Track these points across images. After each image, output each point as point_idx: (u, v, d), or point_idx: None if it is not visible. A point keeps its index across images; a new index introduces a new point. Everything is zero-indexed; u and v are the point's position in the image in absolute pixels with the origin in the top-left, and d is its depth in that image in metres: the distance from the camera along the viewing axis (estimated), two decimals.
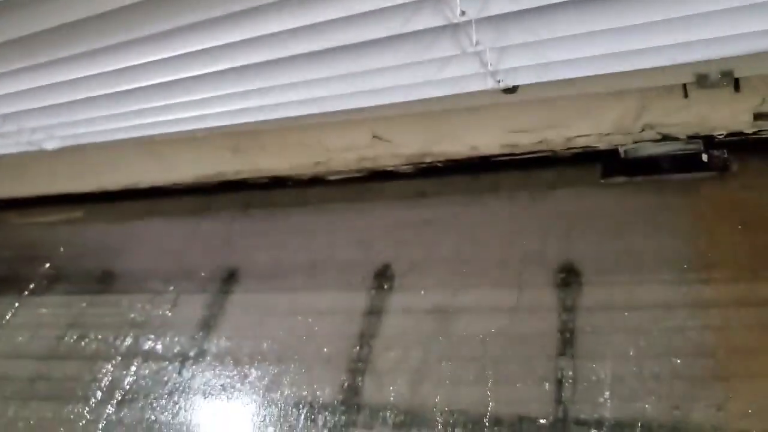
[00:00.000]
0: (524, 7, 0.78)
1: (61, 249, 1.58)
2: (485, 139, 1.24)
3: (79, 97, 1.11)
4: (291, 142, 1.36)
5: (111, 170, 1.54)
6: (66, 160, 1.49)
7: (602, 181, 1.15)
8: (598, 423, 0.93)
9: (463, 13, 0.80)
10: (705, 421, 0.88)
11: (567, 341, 1.03)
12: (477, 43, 0.85)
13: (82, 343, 1.38)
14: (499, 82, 0.97)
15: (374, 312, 1.21)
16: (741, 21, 0.81)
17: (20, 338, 1.46)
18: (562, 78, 0.94)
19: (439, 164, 1.27)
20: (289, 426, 1.07)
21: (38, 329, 1.45)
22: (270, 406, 1.12)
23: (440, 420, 1.03)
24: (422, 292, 1.18)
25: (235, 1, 0.83)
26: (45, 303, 1.50)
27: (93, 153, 1.48)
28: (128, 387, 1.27)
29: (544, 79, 0.95)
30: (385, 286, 1.22)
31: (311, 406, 1.10)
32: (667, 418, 0.91)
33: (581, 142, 1.18)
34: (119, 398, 1.26)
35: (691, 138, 1.11)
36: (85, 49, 1.02)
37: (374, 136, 1.29)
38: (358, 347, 1.16)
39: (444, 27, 0.82)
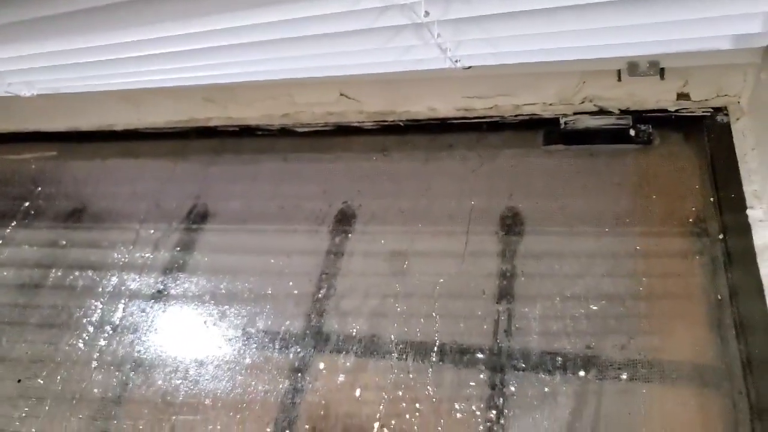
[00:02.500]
0: (480, 14, 0.90)
1: (39, 188, 1.68)
2: (443, 102, 1.38)
3: (59, 53, 1.19)
4: (261, 94, 1.47)
5: (85, 112, 1.62)
6: (40, 100, 1.56)
7: (543, 147, 1.32)
8: (525, 356, 1.14)
9: (427, 13, 0.92)
10: (610, 356, 1.10)
11: (505, 285, 1.23)
12: (438, 36, 0.98)
13: (67, 279, 1.52)
14: (456, 62, 1.10)
15: (338, 255, 1.37)
16: (662, 29, 0.96)
17: (5, 273, 1.58)
18: (512, 63, 1.08)
19: (401, 123, 1.41)
20: (265, 357, 1.26)
21: (22, 264, 1.57)
22: (247, 338, 1.30)
23: (395, 349, 1.23)
24: (381, 239, 1.35)
25: None
26: (27, 239, 1.61)
27: (67, 94, 1.55)
28: (105, 322, 1.43)
29: (497, 63, 1.09)
30: (349, 233, 1.38)
31: (283, 337, 1.28)
32: (581, 354, 1.13)
33: (528, 110, 1.33)
34: (92, 331, 1.42)
35: (623, 112, 1.27)
36: (69, 8, 1.10)
37: (341, 94, 1.41)
38: (324, 287, 1.33)
39: (410, 24, 0.94)
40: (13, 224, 1.64)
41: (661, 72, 1.15)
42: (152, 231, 1.52)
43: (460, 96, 1.35)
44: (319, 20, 0.96)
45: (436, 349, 1.21)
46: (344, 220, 1.42)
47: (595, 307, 1.16)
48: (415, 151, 1.43)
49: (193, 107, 1.53)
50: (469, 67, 1.16)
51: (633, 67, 1.14)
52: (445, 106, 1.37)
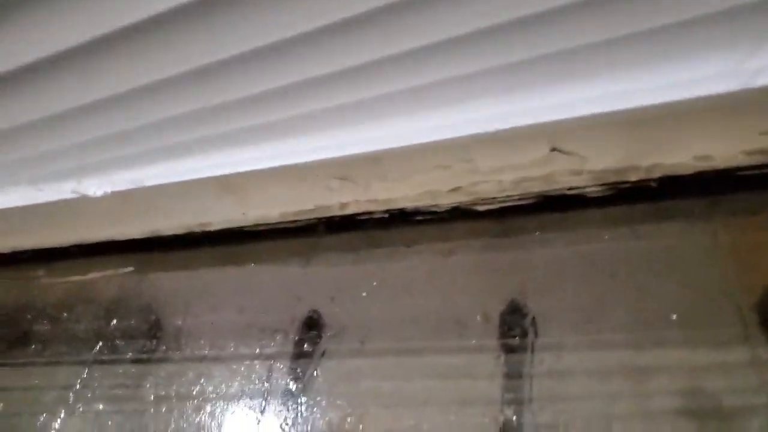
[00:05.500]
0: None
1: (114, 321, 1.22)
2: (721, 144, 0.87)
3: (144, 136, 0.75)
4: (423, 163, 0.98)
5: (169, 210, 1.17)
6: (111, 201, 1.13)
7: None
8: None
9: None
10: None
11: None
12: None
13: (163, 425, 1.04)
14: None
15: (524, 377, 0.86)
16: None
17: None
18: None
19: (651, 183, 0.91)
20: None
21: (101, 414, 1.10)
22: None
23: None
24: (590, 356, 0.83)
25: None
26: (102, 393, 1.14)
27: (143, 190, 1.11)
28: None
29: None
30: (534, 351, 0.87)
31: None
32: None
33: None
34: None
35: None
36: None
37: (553, 149, 0.92)
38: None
39: None
40: (83, 376, 1.18)
41: None
42: (274, 372, 1.04)
43: (750, 132, 0.84)
44: None
45: None
46: (531, 332, 0.91)
47: None
48: (677, 221, 0.91)
49: (320, 191, 1.06)
50: None
51: None
52: (724, 152, 0.87)
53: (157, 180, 0.92)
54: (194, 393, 1.06)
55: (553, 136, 0.89)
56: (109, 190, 0.91)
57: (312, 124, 0.83)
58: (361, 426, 0.90)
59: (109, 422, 1.07)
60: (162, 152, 0.81)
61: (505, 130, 0.85)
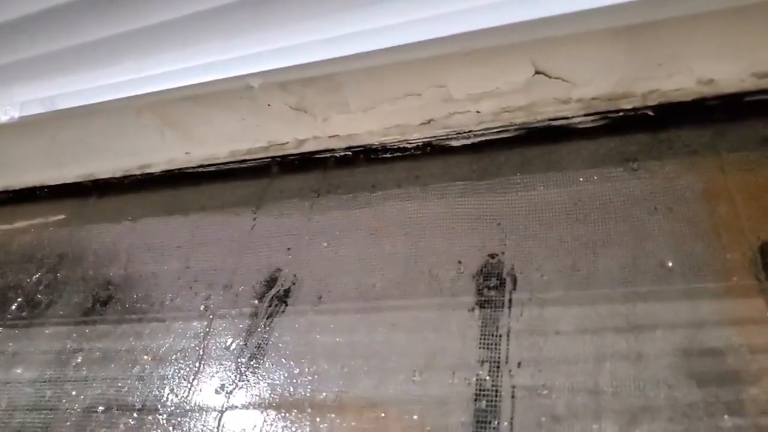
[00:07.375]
0: None
1: (39, 275, 1.09)
2: (727, 66, 0.77)
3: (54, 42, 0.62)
4: (390, 91, 0.87)
5: (105, 150, 1.04)
6: (34, 138, 0.99)
7: None
8: None
9: None
10: None
11: None
12: None
13: (87, 390, 0.91)
14: None
15: (502, 336, 0.76)
16: None
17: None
18: None
19: (648, 112, 0.80)
20: None
21: (17, 397, 0.98)
22: None
23: None
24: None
25: None
26: (21, 355, 1.02)
27: (75, 127, 0.98)
28: None
29: None
30: (513, 305, 0.76)
31: None
32: None
33: None
34: None
35: None
36: None
37: (537, 72, 0.81)
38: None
39: None
40: None
41: None
42: (216, 329, 0.92)
43: (763, 50, 0.75)
44: None
45: None
46: (509, 284, 0.80)
47: None
48: (677, 156, 0.81)
49: (275, 125, 0.95)
50: None
51: None
52: (730, 74, 0.76)
53: (71, 101, 0.78)
54: (127, 353, 0.95)
55: (538, 54, 0.78)
56: (16, 115, 0.78)
57: (248, 19, 0.69)
58: (310, 388, 0.79)
59: (28, 389, 0.95)
60: (70, 56, 0.68)
61: (481, 45, 0.74)
